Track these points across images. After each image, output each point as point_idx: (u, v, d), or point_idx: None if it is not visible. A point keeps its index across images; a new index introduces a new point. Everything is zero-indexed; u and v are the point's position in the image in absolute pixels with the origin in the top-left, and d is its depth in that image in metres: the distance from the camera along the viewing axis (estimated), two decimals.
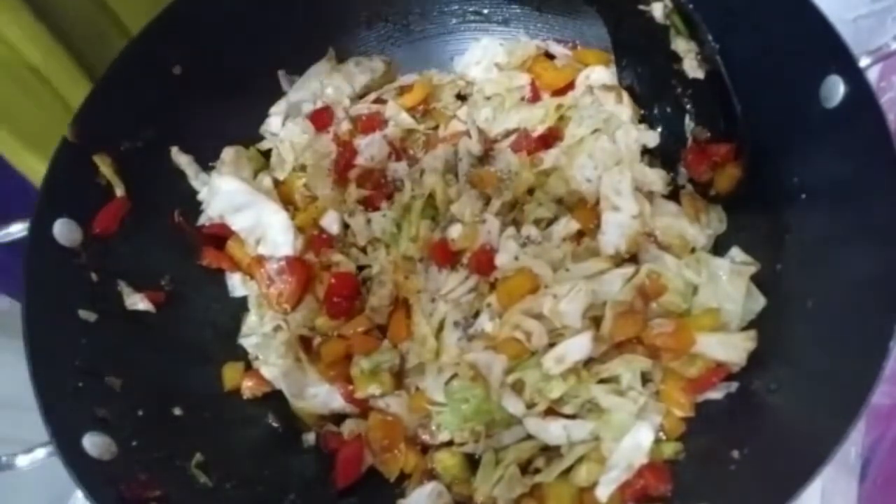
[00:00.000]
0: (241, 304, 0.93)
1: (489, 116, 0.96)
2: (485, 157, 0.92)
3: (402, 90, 1.01)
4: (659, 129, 0.91)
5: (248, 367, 0.88)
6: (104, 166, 0.85)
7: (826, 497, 0.77)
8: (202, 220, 0.93)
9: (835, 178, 0.72)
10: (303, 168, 0.95)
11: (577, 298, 0.75)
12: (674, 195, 0.87)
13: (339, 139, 0.95)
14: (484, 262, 0.79)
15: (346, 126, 0.97)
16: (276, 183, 0.95)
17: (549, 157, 0.89)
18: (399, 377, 0.82)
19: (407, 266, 0.85)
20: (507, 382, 0.75)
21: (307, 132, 0.96)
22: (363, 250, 0.90)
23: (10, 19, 0.87)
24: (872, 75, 0.92)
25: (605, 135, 0.89)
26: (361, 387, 0.81)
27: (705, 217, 0.85)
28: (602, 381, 0.76)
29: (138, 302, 0.84)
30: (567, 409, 0.76)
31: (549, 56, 1.02)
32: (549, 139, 0.90)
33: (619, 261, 0.81)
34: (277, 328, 0.87)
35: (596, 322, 0.77)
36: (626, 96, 0.91)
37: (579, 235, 0.84)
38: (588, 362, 0.77)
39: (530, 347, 0.76)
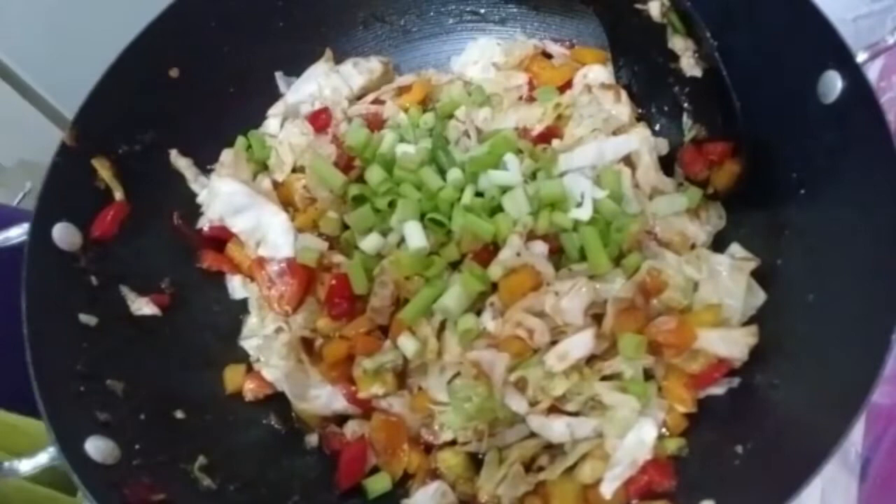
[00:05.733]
0: (242, 307, 0.93)
1: (487, 116, 0.96)
2: None
3: (401, 90, 1.01)
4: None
5: (250, 370, 0.88)
6: (103, 170, 0.85)
7: (826, 497, 0.77)
8: (202, 222, 0.93)
9: (834, 174, 0.72)
10: (302, 169, 0.95)
11: (578, 296, 0.75)
12: None
13: (338, 140, 0.95)
14: (484, 258, 0.79)
15: (344, 127, 0.97)
16: (276, 184, 0.95)
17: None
18: (401, 377, 0.82)
19: None
20: (510, 381, 0.75)
21: (306, 133, 0.96)
22: None
23: None
24: (872, 75, 0.93)
25: (603, 133, 0.89)
26: (364, 387, 0.81)
27: (705, 214, 0.86)
28: (605, 378, 0.76)
29: (143, 307, 0.84)
30: (570, 407, 0.76)
31: (547, 55, 1.02)
32: (548, 137, 0.90)
33: (619, 258, 0.81)
34: (279, 330, 0.88)
35: (597, 319, 0.77)
36: (624, 95, 0.91)
37: None
38: (590, 359, 0.77)
39: (532, 345, 0.76)
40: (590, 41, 1.02)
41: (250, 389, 0.86)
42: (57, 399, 0.70)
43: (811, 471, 0.58)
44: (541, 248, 0.79)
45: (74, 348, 0.76)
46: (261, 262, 0.88)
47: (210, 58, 0.95)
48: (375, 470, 0.81)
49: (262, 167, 0.98)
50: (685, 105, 0.88)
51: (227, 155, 0.95)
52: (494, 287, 0.79)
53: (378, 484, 0.79)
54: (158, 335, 0.85)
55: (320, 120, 0.98)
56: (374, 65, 1.03)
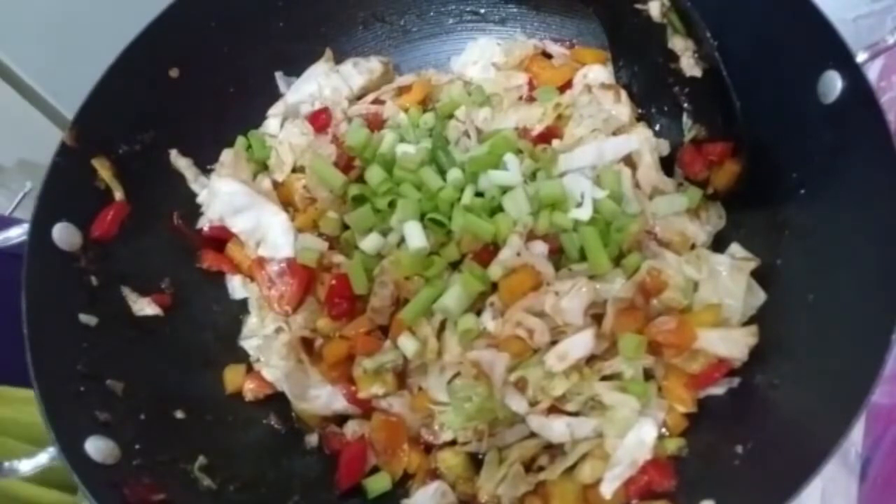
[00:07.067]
0: (242, 307, 0.93)
1: (487, 116, 0.96)
2: None
3: (401, 90, 1.01)
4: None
5: (250, 370, 0.88)
6: (103, 170, 0.85)
7: (826, 497, 0.77)
8: (202, 222, 0.93)
9: (834, 174, 0.72)
10: (302, 169, 0.95)
11: (578, 295, 0.75)
12: None
13: (338, 140, 0.95)
14: (484, 258, 0.79)
15: (344, 127, 0.97)
16: (276, 184, 0.95)
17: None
18: (402, 377, 0.82)
19: None
20: (510, 381, 0.75)
21: (306, 133, 0.96)
22: None
23: None
24: (872, 75, 0.93)
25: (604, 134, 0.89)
26: (364, 387, 0.81)
27: (705, 214, 0.86)
28: (605, 378, 0.76)
29: (145, 307, 0.84)
30: (570, 407, 0.76)
31: (547, 55, 1.02)
32: (548, 137, 0.90)
33: (619, 258, 0.81)
34: (279, 330, 0.88)
35: (597, 319, 0.77)
36: (624, 95, 0.91)
37: None
38: (590, 359, 0.77)
39: (532, 345, 0.76)
40: (590, 41, 1.02)
41: (250, 389, 0.86)
42: (57, 399, 0.70)
43: (811, 471, 0.58)
44: (541, 248, 0.79)
45: (74, 348, 0.76)
46: (261, 262, 0.88)
47: (210, 58, 0.95)
48: (375, 470, 0.81)
49: (262, 167, 0.98)
50: (685, 105, 0.88)
51: (227, 155, 0.95)
52: (494, 287, 0.79)
53: (378, 484, 0.79)
54: (158, 335, 0.85)
55: (320, 120, 0.98)
56: (374, 65, 1.03)
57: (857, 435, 0.80)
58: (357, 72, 1.02)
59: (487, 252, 0.80)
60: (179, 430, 0.80)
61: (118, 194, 0.86)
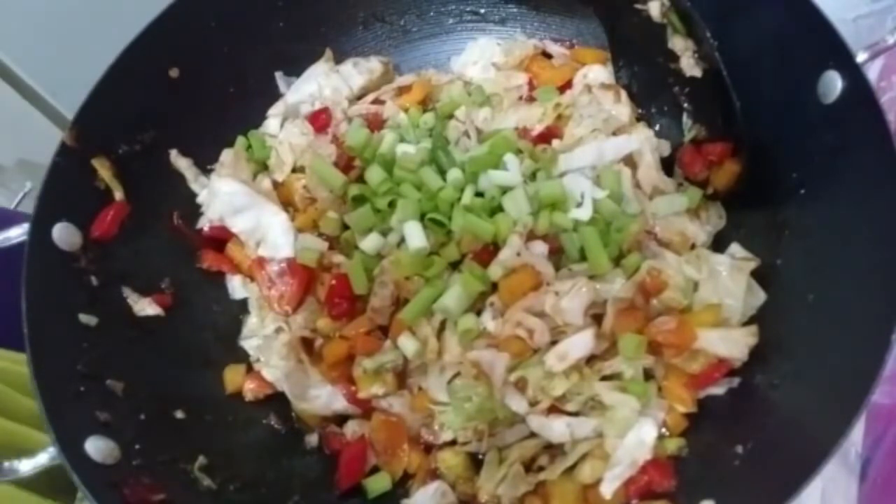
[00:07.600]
0: (242, 307, 0.93)
1: (487, 116, 0.96)
2: None
3: (401, 90, 1.01)
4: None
5: (250, 370, 0.88)
6: (103, 170, 0.85)
7: (826, 497, 0.77)
8: (202, 222, 0.93)
9: (834, 174, 0.72)
10: (302, 169, 0.95)
11: (578, 295, 0.75)
12: None
13: (338, 140, 0.95)
14: (484, 258, 0.79)
15: (344, 127, 0.97)
16: (276, 184, 0.96)
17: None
18: (402, 377, 0.82)
19: None
20: (510, 381, 0.75)
21: (306, 133, 0.96)
22: None
23: None
24: (872, 75, 0.93)
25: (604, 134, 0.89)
26: (364, 387, 0.81)
27: (705, 214, 0.86)
28: (605, 378, 0.76)
29: (146, 307, 0.84)
30: (570, 407, 0.76)
31: (547, 55, 1.02)
32: (548, 137, 0.90)
33: (619, 258, 0.81)
34: (279, 330, 0.88)
35: (597, 319, 0.77)
36: (624, 95, 0.91)
37: None
38: (590, 359, 0.77)
39: (532, 345, 0.76)
40: (590, 41, 1.02)
41: (250, 389, 0.86)
42: (57, 399, 0.70)
43: (811, 471, 0.58)
44: (541, 248, 0.79)
45: (74, 348, 0.76)
46: (261, 262, 0.88)
47: (210, 58, 0.95)
48: (375, 470, 0.81)
49: (262, 167, 0.98)
50: (685, 105, 0.88)
51: (227, 155, 0.95)
52: (494, 287, 0.79)
53: (378, 484, 0.79)
54: (158, 335, 0.85)
55: (320, 120, 0.98)
56: (374, 65, 1.03)
57: (857, 435, 0.80)
58: (357, 72, 1.02)
59: (487, 252, 0.80)
60: (179, 430, 0.80)
61: (118, 194, 0.86)
